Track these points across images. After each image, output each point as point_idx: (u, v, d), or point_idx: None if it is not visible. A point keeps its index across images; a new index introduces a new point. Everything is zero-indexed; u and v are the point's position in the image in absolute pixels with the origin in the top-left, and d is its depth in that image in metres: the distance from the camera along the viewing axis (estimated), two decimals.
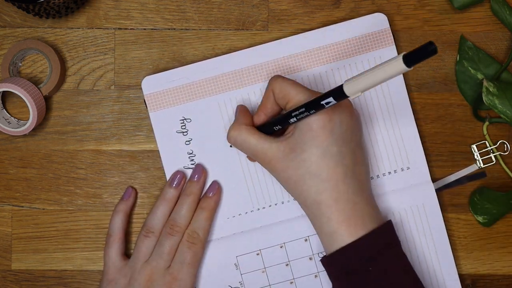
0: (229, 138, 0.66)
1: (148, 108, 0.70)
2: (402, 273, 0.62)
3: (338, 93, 0.56)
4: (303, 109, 0.60)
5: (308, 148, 0.61)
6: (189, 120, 0.70)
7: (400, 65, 0.50)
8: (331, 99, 0.57)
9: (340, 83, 0.56)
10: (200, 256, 0.68)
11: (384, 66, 0.52)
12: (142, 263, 0.67)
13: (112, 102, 0.72)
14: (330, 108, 0.60)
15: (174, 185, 0.69)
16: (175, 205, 0.69)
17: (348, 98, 0.55)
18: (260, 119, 0.66)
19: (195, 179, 0.69)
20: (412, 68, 0.50)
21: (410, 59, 0.49)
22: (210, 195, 0.69)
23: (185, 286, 0.67)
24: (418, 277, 0.63)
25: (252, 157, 0.66)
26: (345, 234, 0.61)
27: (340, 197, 0.61)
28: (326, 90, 0.58)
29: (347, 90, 0.55)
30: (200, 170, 0.69)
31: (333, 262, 0.62)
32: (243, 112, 0.67)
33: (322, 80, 0.70)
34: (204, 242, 0.68)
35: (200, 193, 0.69)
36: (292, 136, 0.62)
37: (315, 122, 0.61)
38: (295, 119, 0.61)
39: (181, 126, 0.70)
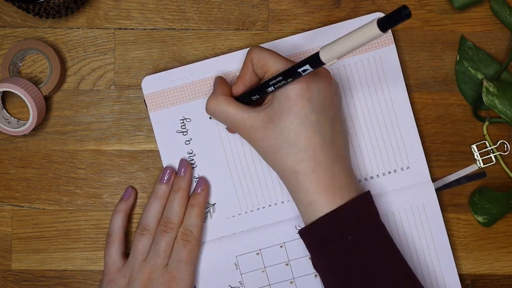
0: (207, 109, 0.65)
1: (148, 108, 0.70)
2: (380, 242, 0.62)
3: (314, 60, 0.56)
4: (280, 77, 0.60)
5: (286, 116, 0.61)
6: (189, 120, 0.70)
7: (374, 30, 0.50)
8: (307, 66, 0.57)
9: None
10: (196, 253, 0.68)
11: (358, 31, 0.52)
12: (141, 262, 0.67)
13: (112, 102, 0.72)
14: (308, 77, 0.60)
15: (164, 181, 0.69)
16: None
17: (325, 65, 0.56)
18: (238, 89, 0.66)
19: (182, 174, 0.69)
20: (386, 33, 0.50)
21: (384, 24, 0.49)
22: (199, 191, 0.69)
23: (184, 284, 0.67)
24: (397, 247, 0.63)
25: (231, 128, 0.66)
26: (323, 204, 0.61)
27: (318, 166, 0.61)
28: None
29: (323, 56, 0.55)
30: (185, 164, 0.69)
31: (311, 233, 0.62)
32: (222, 83, 0.67)
33: None
34: (198, 239, 0.68)
35: (188, 187, 0.69)
36: (270, 105, 0.62)
37: (292, 90, 0.61)
38: (272, 88, 0.61)
39: (181, 126, 0.70)
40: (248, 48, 0.66)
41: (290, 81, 0.60)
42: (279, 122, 0.61)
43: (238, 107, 0.64)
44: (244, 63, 0.66)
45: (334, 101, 0.63)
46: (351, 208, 0.61)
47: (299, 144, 0.61)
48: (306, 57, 0.69)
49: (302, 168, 0.61)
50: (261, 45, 0.69)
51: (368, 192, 0.64)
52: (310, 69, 0.57)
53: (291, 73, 0.59)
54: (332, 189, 0.61)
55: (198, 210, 0.68)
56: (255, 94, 0.64)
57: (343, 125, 0.65)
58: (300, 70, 0.58)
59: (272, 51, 0.64)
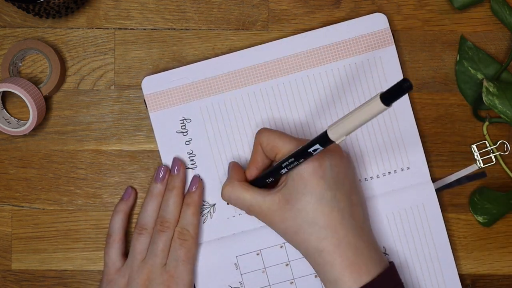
0: (223, 195, 0.66)
1: (148, 108, 0.70)
2: None
3: (324, 139, 0.56)
4: (292, 159, 0.60)
5: (302, 196, 0.61)
6: (189, 120, 0.70)
7: (378, 105, 0.50)
8: (317, 146, 0.57)
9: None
10: (193, 251, 0.68)
11: (363, 107, 0.52)
12: (139, 262, 0.67)
13: (112, 102, 0.72)
14: (319, 154, 0.60)
15: (159, 180, 0.69)
16: None
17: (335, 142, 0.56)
18: (252, 173, 0.67)
19: (175, 173, 0.69)
20: (391, 106, 0.50)
21: (387, 98, 0.50)
22: (193, 189, 0.69)
23: (183, 283, 0.67)
24: None
25: (248, 212, 0.66)
26: (350, 281, 0.61)
27: (340, 242, 0.61)
28: (323, 130, 0.57)
29: (331, 135, 0.55)
30: (178, 163, 0.69)
31: None
32: (235, 168, 0.67)
33: (322, 80, 0.70)
34: (195, 238, 0.68)
35: (182, 185, 0.69)
36: (285, 186, 0.62)
37: (305, 169, 0.61)
38: (286, 169, 0.62)
39: (181, 126, 0.70)
40: (256, 131, 0.66)
41: (302, 161, 0.60)
42: (295, 202, 0.62)
43: (254, 191, 0.64)
44: (254, 147, 0.66)
45: (348, 174, 0.64)
46: (377, 285, 0.61)
47: (319, 223, 0.61)
48: (306, 58, 0.69)
49: (325, 245, 0.61)
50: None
51: (392, 264, 0.64)
52: (321, 148, 0.58)
53: (302, 154, 0.59)
54: (357, 265, 0.61)
55: (193, 208, 0.68)
56: (269, 177, 0.64)
57: (360, 196, 0.65)
58: (311, 150, 0.58)
59: (280, 132, 0.65)
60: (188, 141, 0.70)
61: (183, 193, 0.69)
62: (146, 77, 0.70)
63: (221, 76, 0.70)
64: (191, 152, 0.70)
